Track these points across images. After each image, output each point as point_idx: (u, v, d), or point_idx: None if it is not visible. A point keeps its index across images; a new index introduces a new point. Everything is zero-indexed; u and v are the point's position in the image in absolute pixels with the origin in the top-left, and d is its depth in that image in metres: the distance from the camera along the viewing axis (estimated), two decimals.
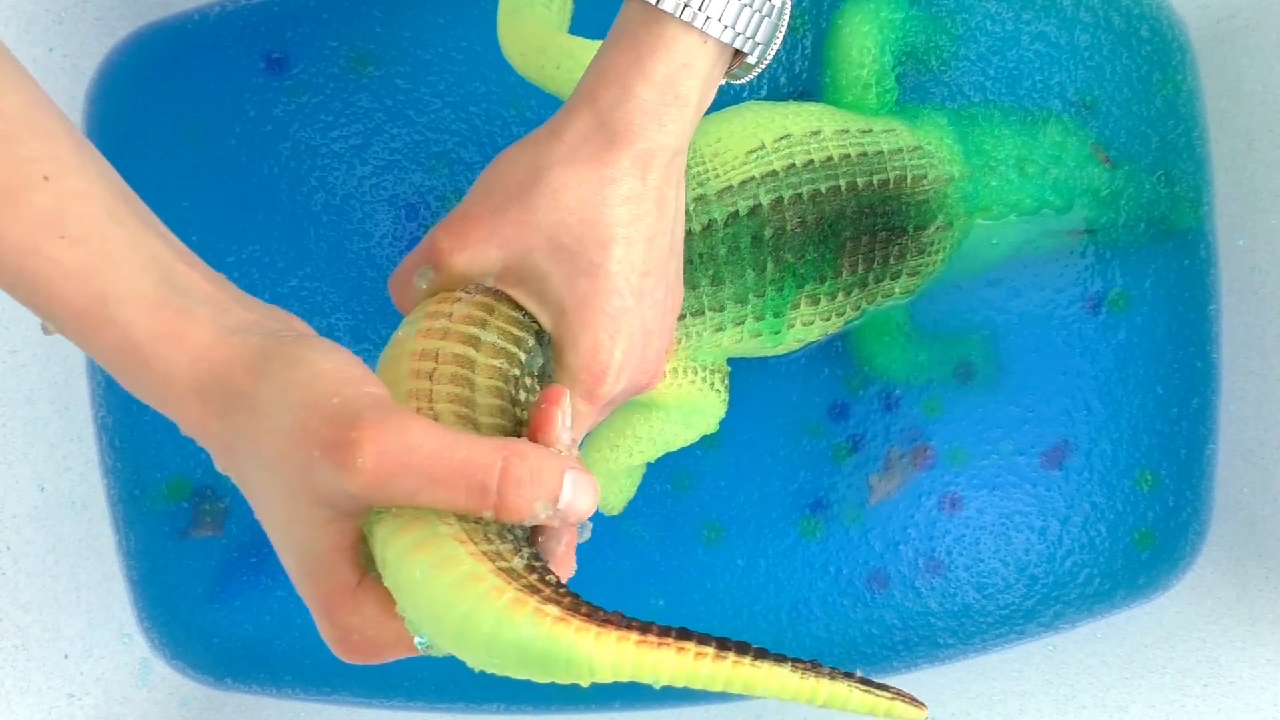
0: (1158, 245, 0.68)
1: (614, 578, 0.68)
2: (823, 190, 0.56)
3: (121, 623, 0.68)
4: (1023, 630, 0.69)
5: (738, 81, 0.43)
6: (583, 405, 0.41)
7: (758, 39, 0.40)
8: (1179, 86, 0.68)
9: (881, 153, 0.58)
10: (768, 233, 0.55)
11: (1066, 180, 0.64)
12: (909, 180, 0.59)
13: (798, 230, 0.56)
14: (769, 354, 0.62)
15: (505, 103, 0.67)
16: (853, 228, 0.57)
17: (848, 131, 0.58)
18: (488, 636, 0.29)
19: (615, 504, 0.65)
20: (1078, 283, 0.68)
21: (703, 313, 0.57)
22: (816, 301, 0.58)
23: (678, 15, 0.37)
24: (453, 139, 0.67)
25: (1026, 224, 0.65)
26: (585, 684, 0.29)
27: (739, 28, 0.39)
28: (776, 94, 0.67)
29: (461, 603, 0.29)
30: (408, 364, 0.36)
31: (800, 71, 0.67)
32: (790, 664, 0.29)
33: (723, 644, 0.30)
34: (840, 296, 0.59)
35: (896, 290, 0.61)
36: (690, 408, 0.60)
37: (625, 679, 0.29)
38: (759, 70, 0.42)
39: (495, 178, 0.41)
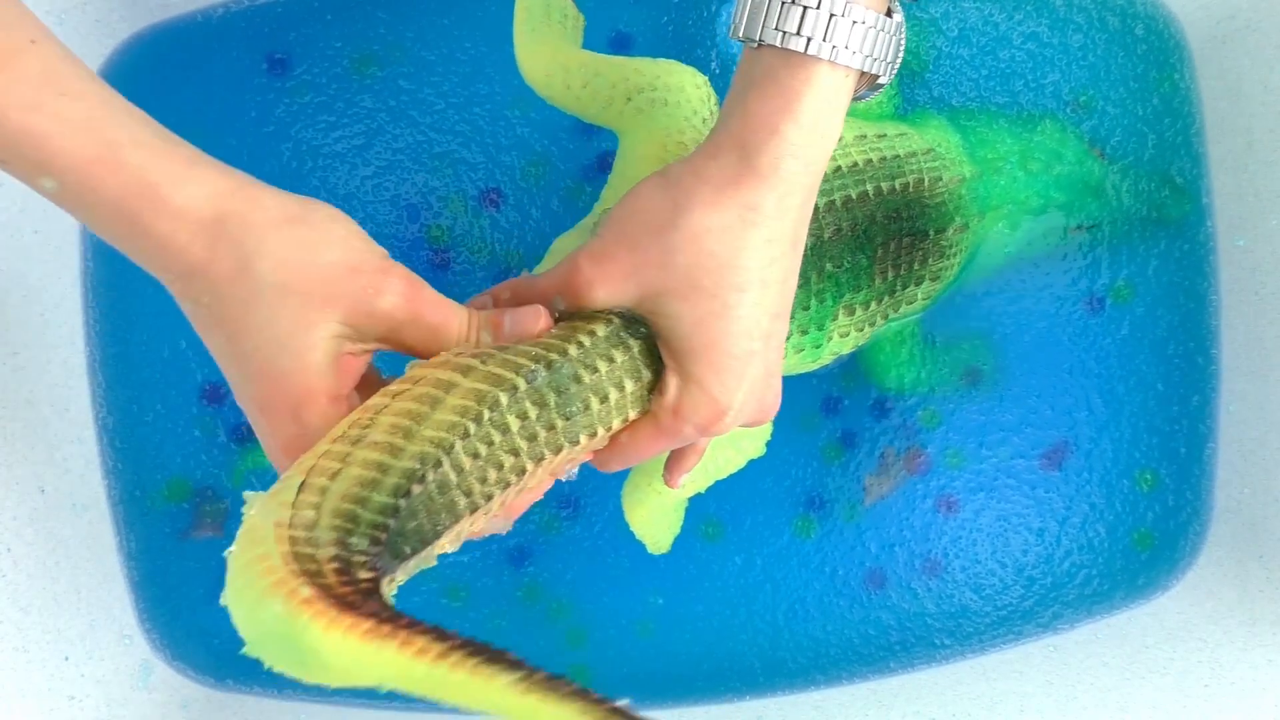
0: (1156, 236, 0.68)
1: (613, 575, 0.68)
2: (853, 196, 0.55)
3: (122, 624, 0.68)
4: (1021, 631, 0.69)
5: (863, 101, 0.43)
6: (695, 438, 0.42)
7: (886, 58, 0.40)
8: (1176, 85, 0.69)
9: (899, 156, 0.58)
10: (809, 242, 0.53)
11: (1068, 176, 0.64)
12: (927, 183, 0.58)
13: (835, 238, 0.54)
14: (806, 370, 0.61)
15: (509, 103, 0.67)
16: (883, 233, 0.56)
17: (865, 137, 0.57)
18: (246, 614, 0.29)
19: (664, 541, 0.64)
20: (1080, 279, 0.68)
21: None
22: (853, 312, 0.57)
23: (819, 55, 0.38)
24: (456, 139, 0.67)
25: (1030, 223, 0.65)
26: (325, 682, 0.28)
27: (870, 52, 0.39)
28: None
29: (240, 581, 0.30)
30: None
31: None
32: (520, 673, 0.26)
33: (455, 645, 0.27)
34: (873, 305, 0.58)
35: (919, 296, 0.60)
36: (738, 432, 0.59)
37: (357, 679, 0.27)
38: (881, 89, 0.43)
39: (635, 215, 0.41)
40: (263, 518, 0.32)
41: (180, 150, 0.38)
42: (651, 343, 0.43)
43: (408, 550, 0.34)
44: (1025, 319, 0.68)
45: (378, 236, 0.67)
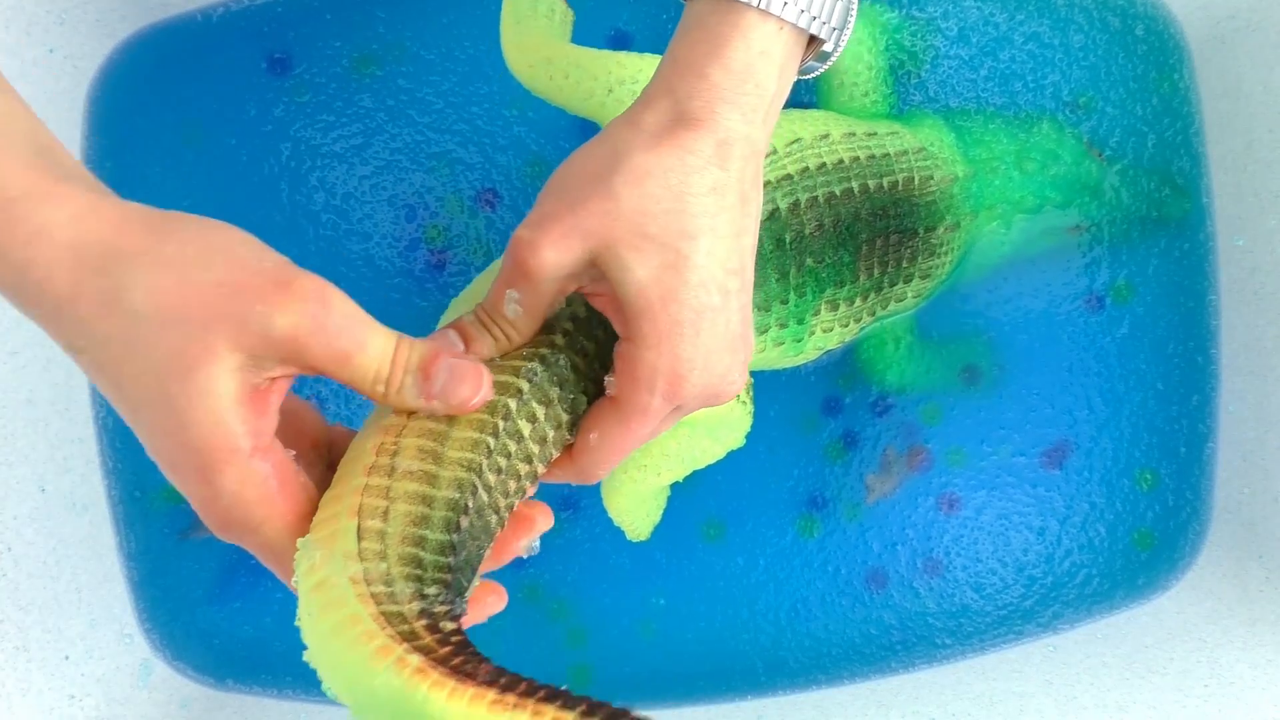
0: (1156, 236, 0.68)
1: (615, 577, 0.68)
2: (837, 193, 0.55)
3: (122, 624, 0.68)
4: (1021, 631, 0.69)
5: (810, 76, 0.42)
6: (663, 408, 0.39)
7: (832, 23, 0.39)
8: (1176, 85, 0.69)
9: (889, 155, 0.58)
10: (788, 236, 0.54)
11: (1065, 176, 0.65)
12: (916, 181, 0.58)
13: (816, 234, 0.54)
14: (789, 364, 0.61)
15: (507, 103, 0.67)
16: (868, 230, 0.56)
17: (854, 134, 0.58)
18: (351, 682, 0.28)
19: (644, 528, 0.64)
20: (1080, 279, 0.68)
21: None
22: (836, 307, 0.57)
23: (753, 4, 0.37)
24: (453, 139, 0.67)
25: (1027, 222, 0.65)
26: None
27: (813, 11, 0.38)
28: None
29: (335, 645, 0.29)
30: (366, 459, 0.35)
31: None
32: None
33: (591, 708, 0.27)
34: (858, 301, 0.58)
35: (909, 294, 0.61)
36: (717, 422, 0.60)
37: None
38: (833, 60, 0.41)
39: (570, 171, 0.39)
40: (336, 574, 0.31)
41: (50, 165, 0.33)
42: (591, 354, 0.41)
43: (465, 584, 0.34)
44: (1025, 317, 0.68)
45: (376, 237, 0.67)
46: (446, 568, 0.32)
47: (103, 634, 0.67)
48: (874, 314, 0.60)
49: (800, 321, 0.56)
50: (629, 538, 0.64)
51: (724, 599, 0.68)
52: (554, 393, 0.39)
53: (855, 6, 0.40)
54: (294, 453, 0.35)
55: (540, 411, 0.38)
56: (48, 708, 0.62)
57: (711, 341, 0.38)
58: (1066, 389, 0.69)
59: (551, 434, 0.39)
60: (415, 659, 0.28)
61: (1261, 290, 0.67)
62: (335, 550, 0.31)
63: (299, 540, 0.32)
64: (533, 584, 0.68)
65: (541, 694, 0.27)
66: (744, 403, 0.60)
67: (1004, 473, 0.69)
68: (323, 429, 0.40)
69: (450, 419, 0.36)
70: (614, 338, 0.40)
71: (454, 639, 0.29)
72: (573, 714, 0.26)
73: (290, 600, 0.68)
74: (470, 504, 0.34)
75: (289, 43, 0.67)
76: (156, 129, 0.68)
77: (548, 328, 0.40)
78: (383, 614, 0.29)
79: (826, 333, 0.58)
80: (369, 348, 0.34)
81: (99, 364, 0.32)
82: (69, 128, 0.67)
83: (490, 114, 0.67)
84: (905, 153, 0.59)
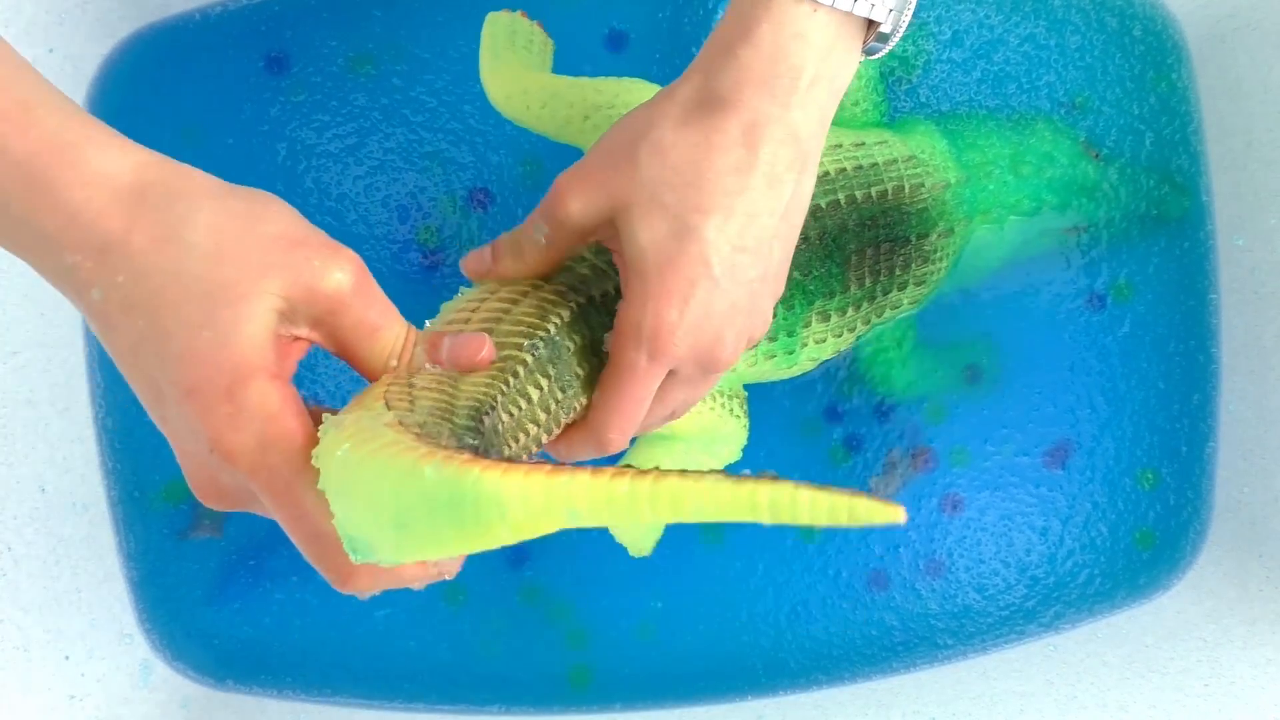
0: (1156, 234, 0.68)
1: (615, 579, 0.68)
2: (822, 205, 0.55)
3: (122, 624, 0.68)
4: (1023, 631, 0.69)
5: (875, 56, 0.42)
6: (646, 363, 0.40)
7: (889, 4, 0.39)
8: (1174, 84, 0.68)
9: (876, 164, 0.57)
10: None
11: (1061, 178, 0.64)
12: (907, 190, 0.58)
13: (802, 247, 0.54)
14: (785, 376, 0.61)
15: None
16: (856, 241, 0.56)
17: (840, 146, 0.57)
18: (397, 493, 0.27)
19: (646, 545, 0.64)
20: (1081, 278, 0.68)
21: None
22: (827, 318, 0.57)
23: None
24: (446, 138, 0.67)
25: (1025, 225, 0.65)
26: (500, 537, 0.26)
27: None
28: None
29: (377, 463, 0.28)
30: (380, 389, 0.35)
31: None
32: (718, 475, 0.25)
33: (642, 470, 0.26)
34: (850, 311, 0.57)
35: (905, 301, 0.60)
36: (712, 436, 0.60)
37: (541, 520, 0.26)
38: (896, 40, 0.41)
39: (612, 133, 0.41)
40: (371, 424, 0.30)
41: (99, 123, 0.34)
42: (602, 328, 0.43)
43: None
44: (1027, 317, 0.68)
45: (371, 239, 0.68)
46: (473, 448, 0.32)
47: (103, 634, 0.67)
48: (869, 322, 0.59)
49: (790, 334, 0.56)
50: (631, 554, 0.64)
51: (723, 601, 0.68)
52: (551, 370, 0.40)
53: None
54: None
55: (544, 384, 0.40)
56: (48, 708, 0.62)
57: (700, 310, 0.39)
58: (1069, 388, 0.69)
59: (553, 405, 0.40)
60: (465, 454, 0.27)
61: (1262, 289, 0.67)
62: (365, 412, 0.32)
63: (325, 418, 0.33)
64: (531, 586, 0.68)
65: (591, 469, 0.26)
66: (738, 417, 0.60)
67: (1007, 472, 0.69)
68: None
69: (456, 379, 0.37)
70: (593, 342, 0.42)
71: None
72: (631, 472, 0.25)
73: (288, 601, 0.68)
74: (490, 412, 0.35)
75: (286, 42, 0.67)
76: (155, 128, 0.68)
77: (540, 315, 0.41)
78: (421, 438, 0.29)
79: (819, 344, 0.57)
80: (393, 327, 0.37)
81: (133, 299, 0.33)
82: None
83: (483, 113, 0.67)
84: (894, 161, 0.58)
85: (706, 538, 0.68)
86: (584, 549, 0.68)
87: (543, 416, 0.39)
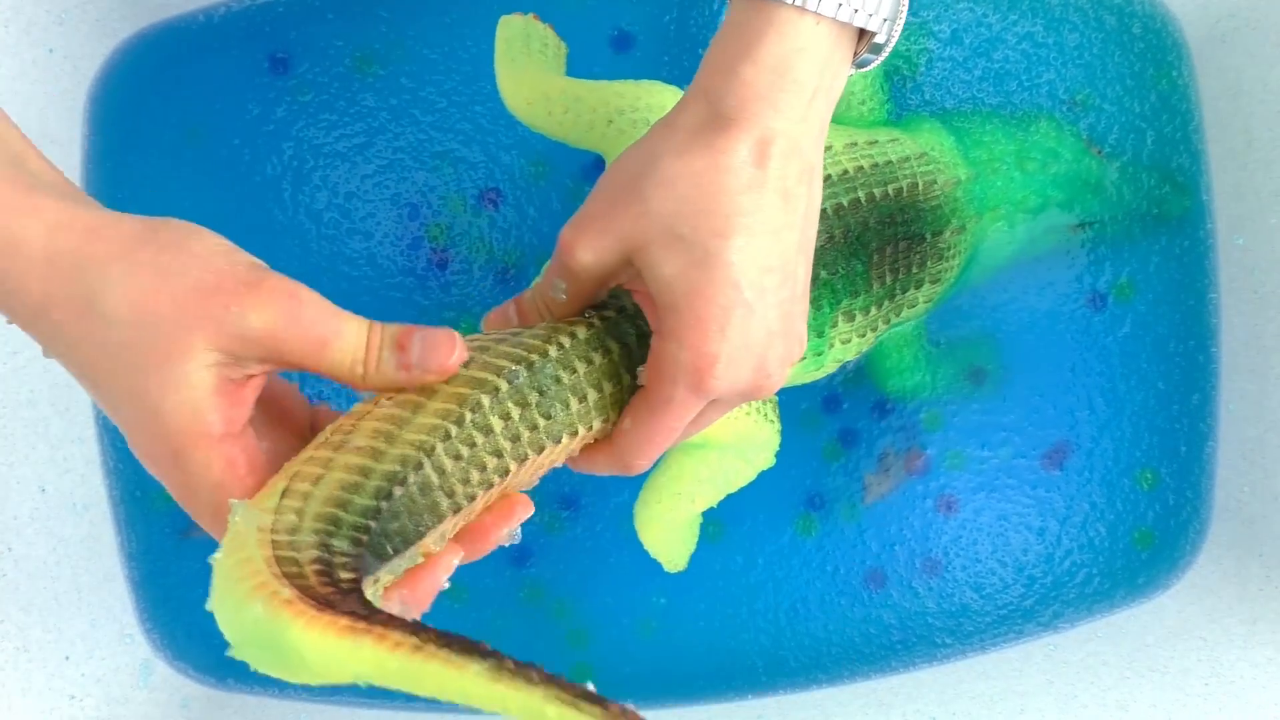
0: (1157, 233, 0.69)
1: (614, 575, 0.68)
2: (845, 203, 0.55)
3: (123, 623, 0.68)
4: (1021, 630, 0.69)
5: (867, 68, 0.42)
6: (691, 401, 0.39)
7: (882, 14, 0.39)
8: (1174, 83, 0.69)
9: (891, 162, 0.58)
10: None
11: (1066, 174, 0.65)
12: (920, 186, 0.58)
13: (828, 245, 0.54)
14: (811, 379, 0.60)
15: None
16: (877, 238, 0.56)
17: (856, 144, 0.58)
18: (230, 617, 0.29)
19: (680, 558, 0.63)
20: (1083, 277, 0.68)
21: None
22: (852, 318, 0.56)
23: (787, 0, 0.37)
24: (456, 138, 0.67)
25: (1031, 222, 0.65)
26: (306, 681, 0.28)
27: (855, 4, 0.37)
28: None
29: (224, 583, 0.30)
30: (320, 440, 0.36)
31: None
32: (489, 662, 0.26)
33: (430, 639, 0.27)
34: (873, 310, 0.57)
35: (920, 299, 0.60)
36: (747, 442, 0.59)
37: (334, 676, 0.27)
38: (888, 52, 0.41)
39: (612, 174, 0.40)
40: (246, 524, 0.32)
41: (22, 175, 0.34)
42: (632, 346, 0.42)
43: (390, 550, 0.34)
44: (1028, 317, 0.68)
45: (379, 235, 0.67)
46: (365, 529, 0.33)
47: (103, 634, 0.67)
48: (888, 321, 0.60)
49: (820, 335, 0.56)
50: (666, 569, 0.63)
51: (723, 598, 0.68)
52: (534, 398, 0.39)
53: None
54: (266, 444, 0.37)
55: (516, 412, 0.38)
56: (48, 708, 0.62)
57: (740, 338, 0.38)
58: (1069, 389, 0.69)
59: (526, 434, 0.39)
60: (287, 592, 0.28)
61: (1262, 289, 0.67)
62: (257, 507, 0.32)
63: (231, 501, 0.33)
64: (533, 584, 0.68)
65: (393, 623, 0.27)
66: (771, 421, 0.60)
67: (1003, 475, 0.69)
68: (306, 411, 0.41)
69: (416, 407, 0.36)
70: (612, 364, 0.41)
71: (344, 585, 0.30)
72: (414, 638, 0.26)
73: None
74: (411, 478, 0.35)
75: (290, 42, 0.67)
76: (157, 129, 0.68)
77: (544, 338, 0.41)
78: (276, 557, 0.30)
79: (845, 344, 0.57)
80: (344, 334, 0.36)
81: (76, 365, 0.34)
82: (69, 128, 0.67)
83: (494, 113, 0.67)
84: (907, 159, 0.59)
85: (708, 533, 0.68)
86: (585, 547, 0.68)
87: (508, 446, 0.38)
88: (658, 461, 0.59)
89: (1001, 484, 0.69)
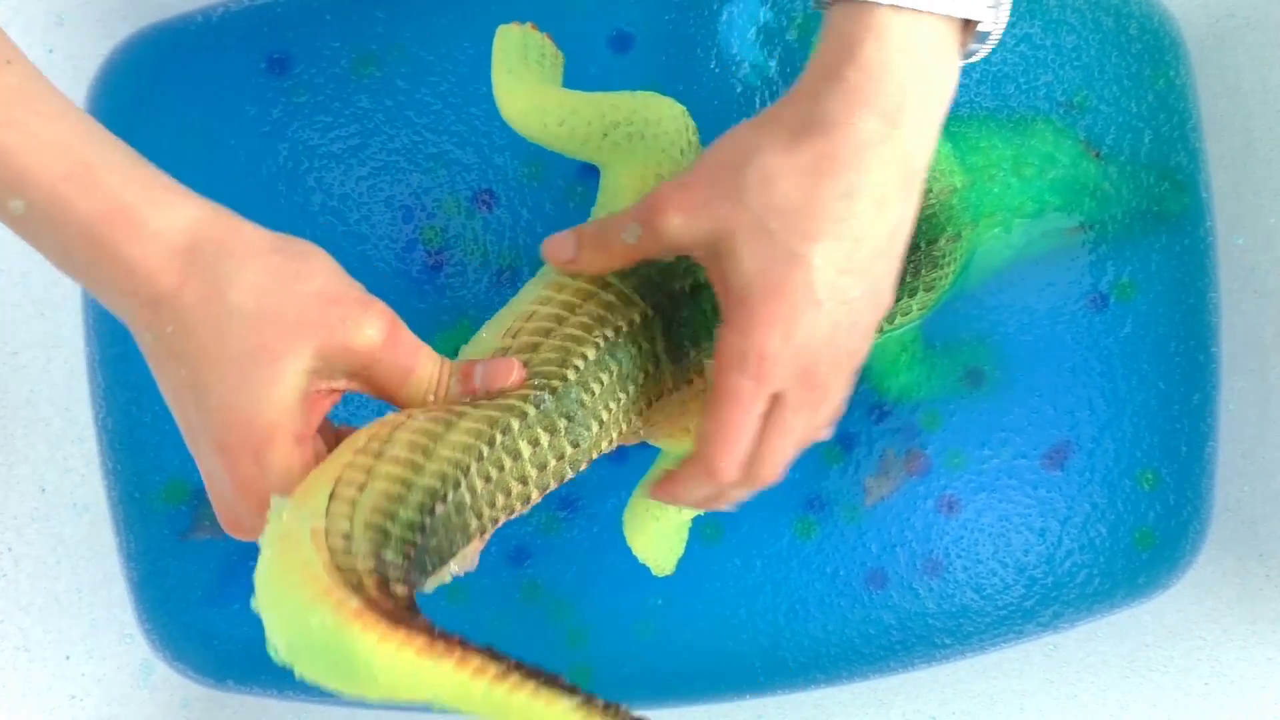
0: (1157, 232, 0.68)
1: (613, 575, 0.68)
2: None
3: (122, 624, 0.68)
4: (1021, 631, 0.69)
5: (975, 58, 0.41)
6: (751, 386, 0.40)
7: (986, 1, 0.39)
8: (1172, 82, 0.68)
9: None
10: None
11: (1064, 179, 0.64)
12: None
13: None
14: None
15: None
16: None
17: None
18: (289, 621, 0.28)
19: (668, 564, 0.64)
20: (1083, 277, 0.68)
21: None
22: None
23: (883, 1, 0.37)
24: (450, 140, 0.67)
25: (1028, 226, 0.65)
26: (367, 695, 0.27)
27: None
28: None
29: (282, 585, 0.29)
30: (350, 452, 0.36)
31: None
32: (579, 699, 0.26)
33: (511, 666, 0.27)
34: None
35: (914, 307, 0.60)
36: None
37: (407, 693, 0.27)
38: (996, 39, 0.41)
39: (720, 150, 0.41)
40: (299, 524, 0.32)
41: (157, 176, 0.37)
42: (633, 363, 0.43)
43: (429, 567, 0.34)
44: (1029, 318, 0.68)
45: (373, 238, 0.67)
46: (412, 544, 0.33)
47: (103, 634, 0.67)
48: (881, 330, 0.59)
49: None
50: (654, 573, 0.63)
51: (722, 599, 0.68)
52: (562, 424, 0.40)
53: None
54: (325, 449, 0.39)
55: (545, 439, 0.39)
56: (48, 708, 0.62)
57: (804, 336, 0.39)
58: (1069, 390, 0.69)
59: (553, 463, 0.40)
60: (355, 602, 0.28)
61: (1262, 288, 0.67)
62: (304, 508, 0.33)
63: (272, 497, 0.34)
64: (531, 584, 0.68)
65: (470, 647, 0.27)
66: None
67: (1004, 475, 0.69)
68: (330, 431, 0.42)
69: (449, 424, 0.37)
70: (614, 383, 0.41)
71: (400, 599, 0.30)
72: (497, 665, 0.27)
73: None
74: (450, 495, 0.35)
75: (288, 43, 0.67)
76: (156, 129, 0.68)
77: (558, 362, 0.41)
78: (335, 564, 0.30)
79: None
80: (426, 364, 0.39)
81: (182, 348, 0.36)
82: None
83: (488, 115, 0.67)
84: None
85: (705, 535, 0.68)
86: (584, 547, 0.68)
87: (533, 473, 0.39)
88: (649, 465, 0.59)
89: (1003, 484, 0.69)
